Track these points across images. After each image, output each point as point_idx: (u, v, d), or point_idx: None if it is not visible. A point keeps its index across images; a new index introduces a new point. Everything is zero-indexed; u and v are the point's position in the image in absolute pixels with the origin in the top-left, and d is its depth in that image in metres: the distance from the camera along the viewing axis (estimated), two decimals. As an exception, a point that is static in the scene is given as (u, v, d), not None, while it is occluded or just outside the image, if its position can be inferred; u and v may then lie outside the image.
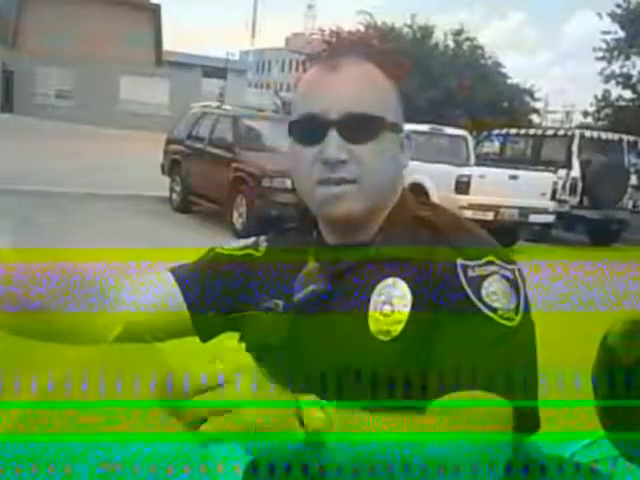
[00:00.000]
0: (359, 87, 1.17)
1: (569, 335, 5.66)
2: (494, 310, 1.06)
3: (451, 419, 0.96)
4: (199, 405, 0.77)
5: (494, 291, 1.07)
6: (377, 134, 1.16)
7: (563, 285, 8.43)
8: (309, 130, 1.17)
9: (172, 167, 12.85)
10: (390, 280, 1.14)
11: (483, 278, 1.08)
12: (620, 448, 1.17)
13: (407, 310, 1.10)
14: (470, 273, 1.09)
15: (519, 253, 9.63)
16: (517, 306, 1.08)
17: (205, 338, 1.32)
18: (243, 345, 1.26)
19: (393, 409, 0.96)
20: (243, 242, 1.37)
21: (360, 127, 1.15)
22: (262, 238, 1.36)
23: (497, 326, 1.05)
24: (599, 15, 26.48)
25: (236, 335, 1.31)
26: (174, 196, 12.69)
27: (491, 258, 1.10)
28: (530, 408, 1.05)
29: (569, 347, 4.89)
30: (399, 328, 1.10)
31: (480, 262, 1.10)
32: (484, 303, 1.06)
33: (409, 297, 1.11)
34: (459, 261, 1.10)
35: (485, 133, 16.38)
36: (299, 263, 1.24)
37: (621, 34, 26.20)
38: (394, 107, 1.21)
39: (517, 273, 1.12)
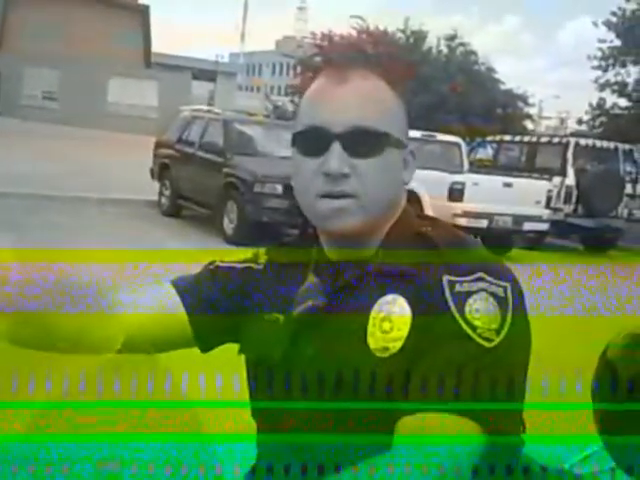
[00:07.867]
0: (366, 101, 1.17)
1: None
2: (473, 328, 1.05)
3: (413, 440, 0.99)
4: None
5: (478, 309, 1.06)
6: (381, 149, 1.16)
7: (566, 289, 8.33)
8: (313, 141, 1.17)
9: (161, 171, 12.64)
10: (390, 297, 1.13)
11: (469, 294, 1.07)
12: (616, 456, 1.17)
13: (406, 327, 1.10)
14: (457, 289, 1.08)
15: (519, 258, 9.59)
16: (500, 327, 1.06)
17: (205, 349, 1.35)
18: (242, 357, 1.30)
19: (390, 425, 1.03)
20: (243, 255, 1.37)
21: (364, 142, 1.15)
22: (262, 251, 1.36)
23: (473, 345, 1.04)
24: (594, 24, 26.60)
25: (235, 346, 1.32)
26: (163, 200, 12.49)
27: (482, 275, 1.09)
28: (507, 429, 1.04)
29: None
30: (398, 345, 1.09)
31: (469, 278, 1.09)
32: (465, 320, 1.05)
33: (408, 314, 1.11)
34: (446, 277, 1.09)
35: (479, 140, 16.31)
36: (299, 277, 1.24)
37: (617, 42, 26.31)
38: (399, 123, 1.21)
39: (509, 291, 1.09)
